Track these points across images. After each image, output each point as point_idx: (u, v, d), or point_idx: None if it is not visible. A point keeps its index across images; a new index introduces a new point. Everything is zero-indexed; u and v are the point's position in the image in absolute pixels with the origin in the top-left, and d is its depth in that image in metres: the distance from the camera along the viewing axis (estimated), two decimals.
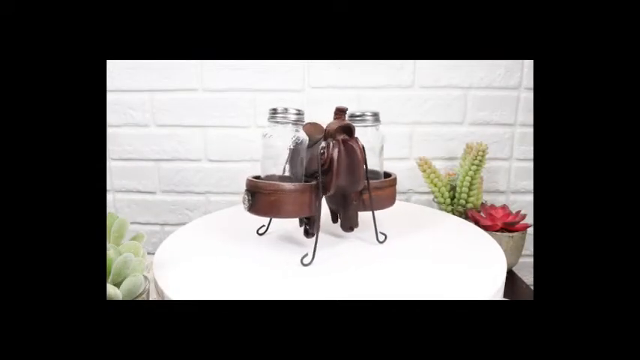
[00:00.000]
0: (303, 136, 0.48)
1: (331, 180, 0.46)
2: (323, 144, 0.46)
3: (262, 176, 0.48)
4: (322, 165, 0.46)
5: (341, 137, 0.47)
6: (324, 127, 0.49)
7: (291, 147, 0.47)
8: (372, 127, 0.53)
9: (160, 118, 0.84)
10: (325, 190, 0.46)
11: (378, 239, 0.51)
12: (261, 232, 0.54)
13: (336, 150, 0.46)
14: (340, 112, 0.49)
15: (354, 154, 0.47)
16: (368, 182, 0.49)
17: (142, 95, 0.83)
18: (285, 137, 0.47)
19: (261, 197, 0.45)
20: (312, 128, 0.50)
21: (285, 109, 0.46)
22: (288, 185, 0.44)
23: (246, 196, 0.46)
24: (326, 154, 0.46)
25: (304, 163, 0.48)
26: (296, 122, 0.47)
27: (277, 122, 0.47)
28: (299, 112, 0.47)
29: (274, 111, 0.47)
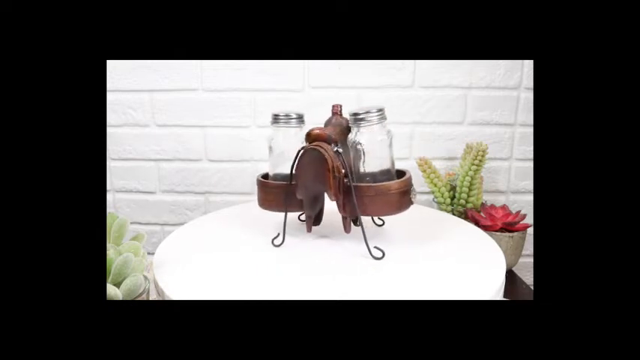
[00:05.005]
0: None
1: None
2: None
3: (355, 177, 0.50)
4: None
5: None
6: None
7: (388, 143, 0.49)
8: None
9: (160, 118, 0.84)
10: None
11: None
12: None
13: None
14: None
15: None
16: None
17: (142, 95, 0.83)
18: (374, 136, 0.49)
19: None
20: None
21: (367, 111, 0.47)
22: None
23: (414, 189, 0.49)
24: None
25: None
26: (382, 119, 0.48)
27: (367, 123, 0.48)
28: (381, 110, 0.48)
29: (358, 114, 0.47)
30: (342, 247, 0.51)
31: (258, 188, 0.54)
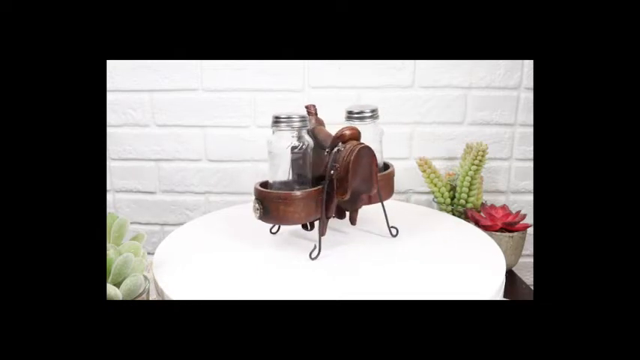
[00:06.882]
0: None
1: None
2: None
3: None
4: None
5: None
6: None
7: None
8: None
9: (160, 118, 0.84)
10: None
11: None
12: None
13: None
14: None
15: None
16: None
17: (142, 95, 0.83)
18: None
19: None
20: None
21: (361, 110, 0.54)
22: None
23: None
24: None
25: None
26: (375, 118, 0.56)
27: (362, 122, 0.54)
28: (374, 110, 0.55)
29: (353, 112, 0.55)
30: (341, 246, 0.51)
31: (276, 204, 0.46)
